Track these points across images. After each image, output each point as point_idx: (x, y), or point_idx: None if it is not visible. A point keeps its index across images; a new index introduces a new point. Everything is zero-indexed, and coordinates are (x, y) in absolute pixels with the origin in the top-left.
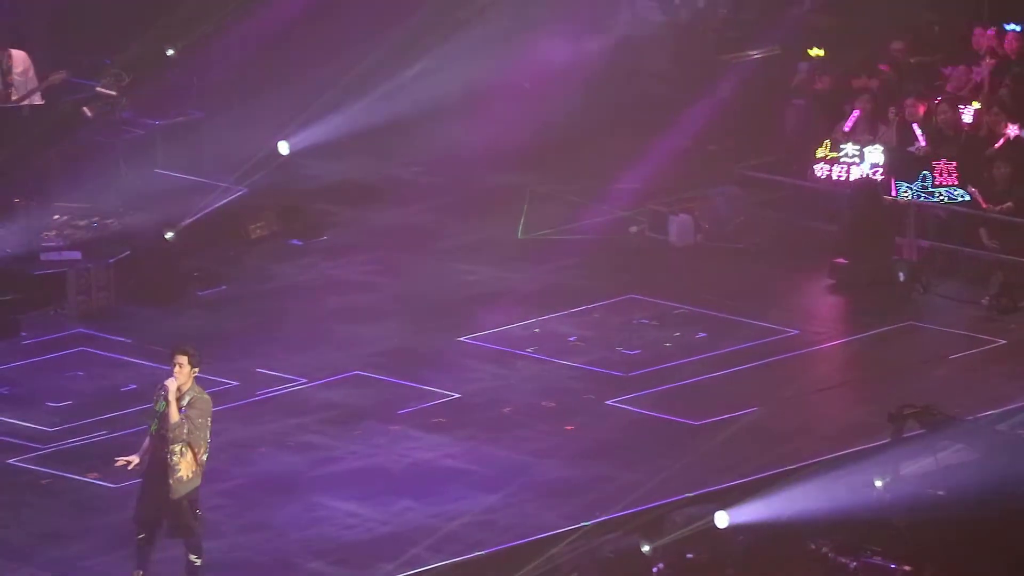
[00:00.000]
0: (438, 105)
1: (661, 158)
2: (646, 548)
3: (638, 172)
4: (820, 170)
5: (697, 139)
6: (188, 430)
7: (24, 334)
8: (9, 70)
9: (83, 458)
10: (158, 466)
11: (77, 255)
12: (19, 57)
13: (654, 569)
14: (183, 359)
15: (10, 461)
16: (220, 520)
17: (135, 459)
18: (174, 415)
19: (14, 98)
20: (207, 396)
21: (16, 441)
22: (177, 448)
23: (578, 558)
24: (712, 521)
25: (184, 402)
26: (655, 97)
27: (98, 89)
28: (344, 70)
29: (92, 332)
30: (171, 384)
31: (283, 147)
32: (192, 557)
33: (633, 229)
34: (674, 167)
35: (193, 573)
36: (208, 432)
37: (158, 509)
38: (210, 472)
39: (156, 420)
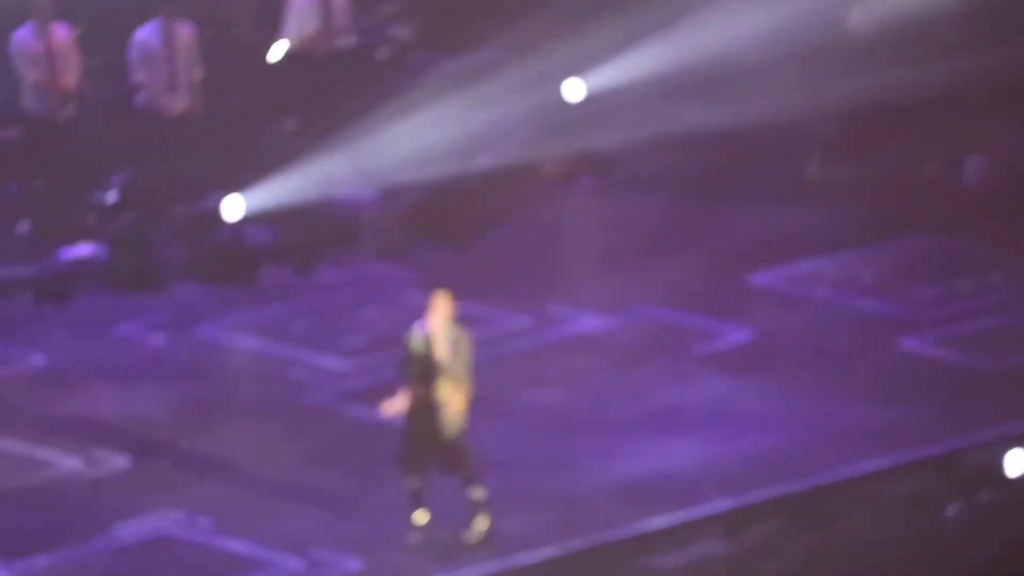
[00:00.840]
0: (744, 50)
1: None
2: (941, 491)
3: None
4: None
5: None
6: (460, 367)
7: (320, 272)
8: (329, 9)
9: (379, 395)
10: (422, 409)
11: (372, 194)
12: None
13: (949, 511)
14: (445, 299)
15: (306, 398)
16: (503, 456)
17: (397, 403)
18: (446, 353)
19: (330, 38)
20: (468, 334)
21: (312, 379)
22: (449, 386)
23: (873, 500)
24: (1008, 465)
25: (449, 340)
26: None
27: (389, 31)
28: (641, 9)
29: (387, 270)
30: (435, 324)
31: (576, 88)
32: (473, 493)
33: (926, 167)
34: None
35: (477, 507)
36: (471, 369)
37: (426, 451)
38: (497, 409)
39: (412, 363)
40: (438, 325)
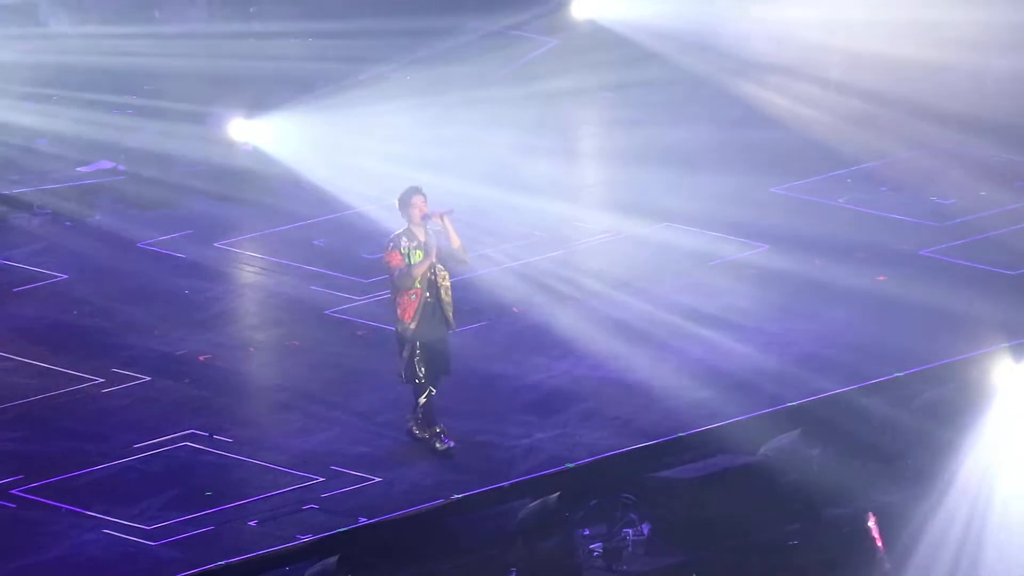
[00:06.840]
0: None
1: None
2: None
3: None
4: None
5: None
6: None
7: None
8: None
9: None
10: (429, 317)
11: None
12: None
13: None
14: (422, 199)
15: (327, 312)
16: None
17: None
18: (456, 239)
19: None
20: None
21: (333, 292)
22: (448, 281)
23: (890, 409)
24: None
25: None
26: None
27: None
28: None
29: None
30: (443, 215)
31: None
32: (428, 397)
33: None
34: None
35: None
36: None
37: (438, 363)
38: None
39: (417, 275)
40: (445, 218)
